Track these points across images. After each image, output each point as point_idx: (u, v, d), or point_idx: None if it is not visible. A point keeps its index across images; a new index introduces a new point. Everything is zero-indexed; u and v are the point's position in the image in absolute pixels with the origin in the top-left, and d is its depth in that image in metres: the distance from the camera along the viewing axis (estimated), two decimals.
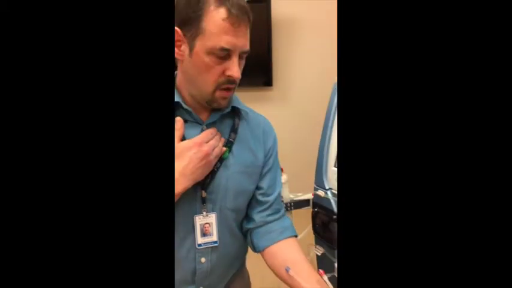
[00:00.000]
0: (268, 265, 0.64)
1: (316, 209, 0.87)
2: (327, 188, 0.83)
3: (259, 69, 1.73)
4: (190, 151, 0.54)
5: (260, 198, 0.64)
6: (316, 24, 1.56)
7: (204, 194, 0.57)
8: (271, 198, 0.66)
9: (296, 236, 0.67)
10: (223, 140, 0.59)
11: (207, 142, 0.56)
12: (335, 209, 0.82)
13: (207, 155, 0.55)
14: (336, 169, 0.81)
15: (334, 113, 0.81)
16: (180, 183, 0.54)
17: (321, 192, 0.84)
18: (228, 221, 0.61)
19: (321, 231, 0.86)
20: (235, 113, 0.60)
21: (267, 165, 0.65)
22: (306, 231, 1.02)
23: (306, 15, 1.56)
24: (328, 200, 0.83)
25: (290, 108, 1.51)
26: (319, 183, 0.85)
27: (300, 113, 1.45)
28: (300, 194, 1.02)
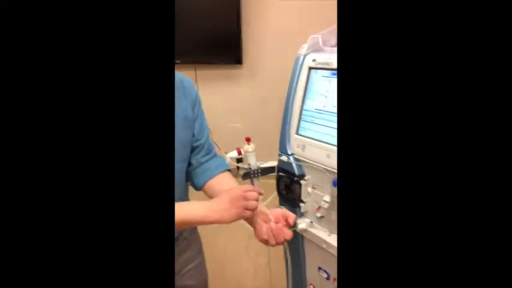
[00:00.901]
0: (208, 198, 0.76)
1: (280, 173, 0.95)
2: (289, 153, 0.92)
3: (229, 48, 1.76)
4: (237, 201, 0.64)
5: (194, 144, 0.78)
6: (286, 2, 1.60)
7: None
8: (202, 141, 0.79)
9: (229, 170, 0.81)
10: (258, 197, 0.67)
11: (252, 199, 0.65)
12: (296, 172, 0.91)
13: (243, 210, 0.65)
14: (298, 136, 0.90)
15: (297, 84, 0.89)
16: (205, 213, 0.63)
17: (284, 158, 0.92)
18: (179, 173, 0.74)
19: (284, 193, 0.95)
20: None
21: (195, 115, 0.77)
22: (272, 196, 1.11)
23: None
24: (291, 164, 0.91)
25: (260, 84, 1.57)
26: (283, 149, 0.93)
27: (267, 89, 1.52)
28: (264, 162, 1.10)
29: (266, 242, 0.71)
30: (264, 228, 0.70)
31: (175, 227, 0.62)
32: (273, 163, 1.07)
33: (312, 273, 1.02)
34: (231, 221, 0.66)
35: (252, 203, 0.66)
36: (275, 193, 1.08)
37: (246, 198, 0.65)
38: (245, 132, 1.11)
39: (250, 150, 1.05)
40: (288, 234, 0.70)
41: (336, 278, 0.92)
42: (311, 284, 1.04)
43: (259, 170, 1.08)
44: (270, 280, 1.12)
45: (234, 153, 1.01)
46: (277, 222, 0.72)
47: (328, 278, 0.96)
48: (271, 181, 1.21)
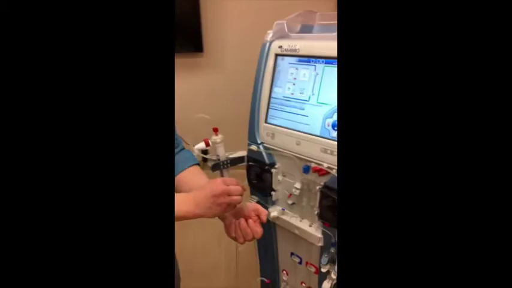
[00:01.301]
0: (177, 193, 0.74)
1: (250, 163, 0.94)
2: (259, 142, 0.91)
3: (188, 35, 1.69)
4: (221, 197, 0.62)
5: None
6: None
7: None
8: None
9: (198, 164, 0.79)
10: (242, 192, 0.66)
11: (234, 195, 0.63)
12: (267, 161, 0.90)
13: (226, 206, 0.63)
14: (267, 125, 0.89)
15: (264, 72, 0.87)
16: (189, 208, 0.61)
17: (254, 147, 0.91)
18: None
19: (255, 183, 0.95)
20: None
21: None
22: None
23: None
24: (261, 153, 0.90)
25: (222, 72, 1.53)
26: (252, 139, 0.92)
27: (232, 77, 1.48)
28: (233, 152, 1.09)
29: (235, 239, 0.71)
30: (233, 226, 0.70)
31: None
32: (242, 153, 1.06)
33: (284, 259, 1.04)
34: (214, 217, 0.65)
35: (236, 199, 0.64)
36: (245, 183, 1.07)
37: (229, 194, 0.63)
38: (211, 122, 1.08)
39: (218, 140, 1.02)
40: (258, 232, 0.69)
41: (308, 261, 0.95)
42: (284, 270, 1.06)
43: (229, 161, 1.06)
44: (243, 267, 1.13)
45: (201, 145, 0.98)
46: (248, 219, 0.70)
47: (300, 263, 0.98)
48: (240, 171, 1.20)
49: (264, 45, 0.88)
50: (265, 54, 0.87)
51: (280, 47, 0.84)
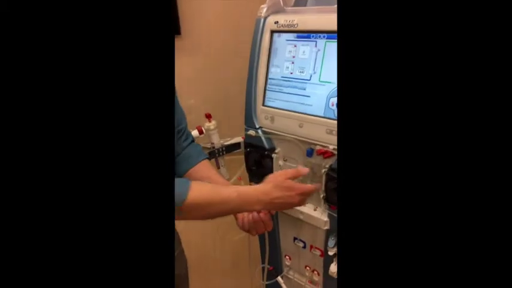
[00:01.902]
0: None
1: (248, 149, 0.89)
2: (257, 127, 0.86)
3: None
4: (291, 196, 0.63)
5: (177, 128, 0.75)
6: None
7: None
8: (184, 125, 0.76)
9: (208, 158, 0.81)
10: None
11: (307, 194, 0.66)
12: (266, 146, 0.86)
13: (294, 204, 0.67)
14: (265, 108, 0.84)
15: (259, 51, 0.81)
16: (254, 201, 0.61)
17: (252, 132, 0.86)
18: None
19: (254, 169, 0.90)
20: None
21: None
22: (239, 173, 1.06)
23: None
24: (259, 137, 0.86)
25: (205, 55, 1.44)
26: (250, 123, 0.87)
27: (215, 60, 1.40)
28: (229, 139, 1.03)
29: (248, 231, 0.72)
30: (245, 219, 0.70)
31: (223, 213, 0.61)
32: (238, 139, 1.01)
33: (287, 244, 1.02)
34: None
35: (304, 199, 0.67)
36: (241, 170, 1.02)
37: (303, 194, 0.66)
38: (202, 109, 1.01)
39: (212, 127, 0.97)
40: (269, 225, 0.70)
41: (313, 245, 0.93)
42: (286, 255, 1.04)
43: (224, 148, 1.01)
44: (247, 255, 1.10)
45: (194, 133, 0.92)
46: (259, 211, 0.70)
47: (304, 247, 0.96)
48: (235, 157, 1.15)
49: (258, 21, 0.81)
50: (259, 31, 0.81)
51: (276, 22, 0.78)
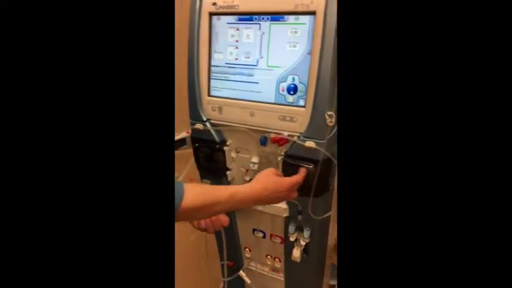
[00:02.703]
0: None
1: (197, 144, 0.83)
2: (204, 119, 0.79)
3: None
4: (280, 192, 0.65)
5: None
6: None
7: None
8: None
9: None
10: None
11: (296, 186, 0.68)
12: (217, 139, 0.80)
13: (284, 199, 0.70)
14: (211, 98, 0.77)
15: (198, 36, 0.74)
16: (247, 202, 0.63)
17: (199, 126, 0.79)
18: None
19: (205, 165, 0.84)
20: None
21: None
22: (186, 170, 0.98)
23: None
24: (208, 131, 0.79)
25: None
26: (195, 117, 0.80)
27: None
28: None
29: (204, 230, 0.72)
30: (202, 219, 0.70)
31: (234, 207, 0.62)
32: (183, 135, 0.92)
33: (246, 237, 0.99)
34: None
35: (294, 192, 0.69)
36: (189, 166, 0.95)
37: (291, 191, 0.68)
38: None
39: None
40: (226, 221, 0.70)
41: (273, 233, 0.92)
42: (246, 247, 1.02)
43: None
44: (198, 257, 1.04)
45: None
46: None
47: (264, 237, 0.95)
48: (179, 153, 1.06)
49: (193, 3, 0.73)
50: (196, 14, 0.73)
51: (214, 4, 0.72)
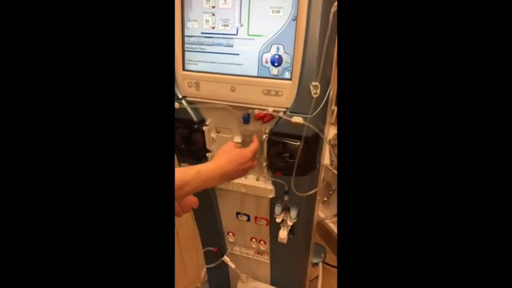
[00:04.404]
0: None
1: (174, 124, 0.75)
2: (180, 97, 0.72)
3: None
4: (244, 163, 0.65)
5: None
6: None
7: None
8: None
9: None
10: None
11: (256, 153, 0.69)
12: (194, 118, 0.73)
13: (249, 169, 0.69)
14: (186, 72, 0.70)
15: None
16: (215, 179, 0.62)
17: (175, 104, 0.72)
18: None
19: (184, 147, 0.77)
20: None
21: None
22: None
23: None
24: (184, 110, 0.72)
25: None
26: None
27: None
28: None
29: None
30: None
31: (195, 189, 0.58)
32: None
33: (229, 221, 0.95)
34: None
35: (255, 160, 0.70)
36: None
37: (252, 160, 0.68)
38: None
39: None
40: (195, 202, 0.65)
41: (257, 216, 0.88)
42: (230, 232, 0.98)
43: None
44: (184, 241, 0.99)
45: None
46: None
47: (248, 220, 0.91)
48: None
49: None
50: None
51: None
